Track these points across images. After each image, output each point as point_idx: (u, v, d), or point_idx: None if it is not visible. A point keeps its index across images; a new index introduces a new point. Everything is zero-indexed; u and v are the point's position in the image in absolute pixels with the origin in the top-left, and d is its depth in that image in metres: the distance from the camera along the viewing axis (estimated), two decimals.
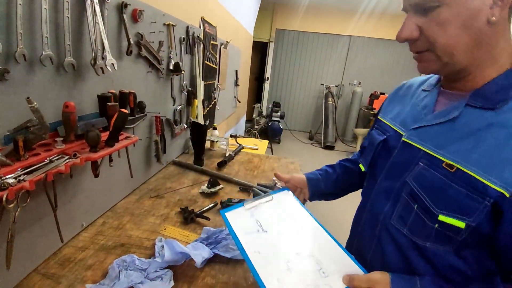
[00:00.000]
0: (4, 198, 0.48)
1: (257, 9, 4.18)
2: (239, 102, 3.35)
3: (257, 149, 2.38)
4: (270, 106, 5.57)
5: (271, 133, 4.81)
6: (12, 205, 0.51)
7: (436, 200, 0.50)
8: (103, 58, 0.78)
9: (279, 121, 5.26)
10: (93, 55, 0.76)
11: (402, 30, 0.50)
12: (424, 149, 0.53)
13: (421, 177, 0.52)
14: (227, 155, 1.61)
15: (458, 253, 0.51)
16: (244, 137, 2.94)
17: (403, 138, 0.58)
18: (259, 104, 5.18)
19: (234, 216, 0.67)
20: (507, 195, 0.42)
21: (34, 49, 0.63)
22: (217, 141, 1.79)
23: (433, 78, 0.63)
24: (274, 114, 5.32)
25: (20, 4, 0.57)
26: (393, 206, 0.58)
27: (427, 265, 0.53)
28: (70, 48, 0.70)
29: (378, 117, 0.73)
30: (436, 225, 0.50)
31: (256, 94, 6.74)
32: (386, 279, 0.52)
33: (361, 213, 0.70)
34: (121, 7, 0.87)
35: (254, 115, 5.02)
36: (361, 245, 0.68)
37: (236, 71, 3.01)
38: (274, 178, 1.30)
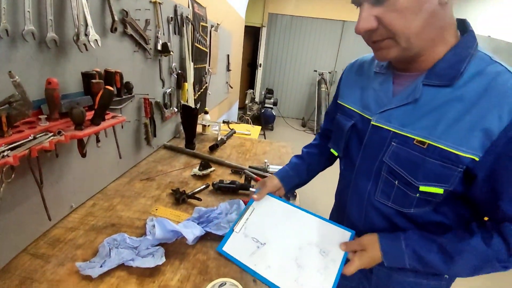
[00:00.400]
0: None
1: None
2: (231, 88, 3.31)
3: (249, 134, 2.38)
4: (263, 92, 5.53)
5: (264, 120, 4.80)
6: None
7: (415, 174, 0.55)
8: (86, 34, 0.75)
9: (272, 108, 5.24)
10: (76, 30, 0.73)
11: (360, 22, 0.51)
12: (392, 129, 0.58)
13: (397, 156, 0.57)
14: (219, 139, 1.61)
15: (437, 211, 0.58)
16: (236, 123, 2.93)
17: (372, 122, 0.61)
18: (251, 90, 5.13)
19: (231, 246, 0.70)
20: (477, 159, 0.49)
21: (16, 24, 0.60)
22: (208, 125, 1.78)
23: (369, 56, 0.68)
24: (267, 101, 5.29)
25: None
26: (375, 184, 0.63)
27: (412, 225, 0.62)
28: (52, 23, 0.67)
29: (338, 101, 0.75)
30: (418, 195, 0.56)
31: (249, 81, 6.66)
32: (375, 238, 0.62)
33: (346, 194, 0.73)
34: None
35: (246, 101, 4.98)
36: (352, 221, 0.73)
37: (228, 55, 2.95)
38: (266, 160, 1.31)
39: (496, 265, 0.52)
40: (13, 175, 0.53)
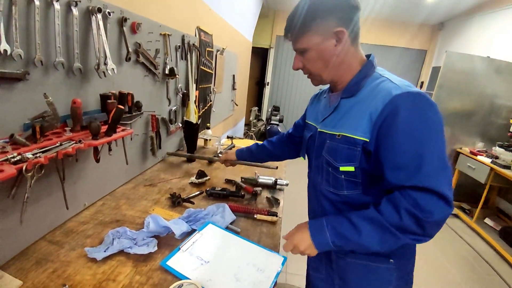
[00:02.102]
0: (24, 168, 0.63)
1: (256, 17, 4.37)
2: (237, 105, 3.51)
3: None
4: (270, 109, 5.72)
5: (269, 136, 4.96)
6: (29, 174, 0.66)
7: (336, 158, 0.75)
8: (105, 63, 0.94)
9: (278, 125, 5.40)
10: (97, 61, 0.92)
11: (293, 64, 0.79)
12: (328, 131, 0.79)
13: (328, 149, 0.77)
14: (218, 152, 1.76)
15: (367, 193, 0.73)
16: (240, 138, 3.10)
17: (318, 129, 0.83)
18: (256, 108, 5.33)
19: (175, 262, 0.78)
20: (367, 140, 0.68)
21: (49, 56, 0.78)
22: (210, 140, 1.95)
23: (327, 87, 0.90)
24: (273, 117, 5.46)
25: (37, 20, 0.72)
26: (321, 176, 0.82)
27: (350, 208, 0.76)
28: (78, 56, 0.86)
29: (306, 121, 0.97)
30: (342, 176, 0.74)
31: (256, 98, 6.90)
32: (305, 223, 0.76)
33: (309, 189, 0.93)
34: (121, 21, 1.04)
35: (251, 118, 5.17)
36: (312, 210, 0.92)
37: (234, 75, 3.17)
38: (256, 172, 1.44)
39: (397, 234, 0.61)
40: (42, 171, 0.69)
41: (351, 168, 0.72)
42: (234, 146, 2.00)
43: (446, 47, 5.19)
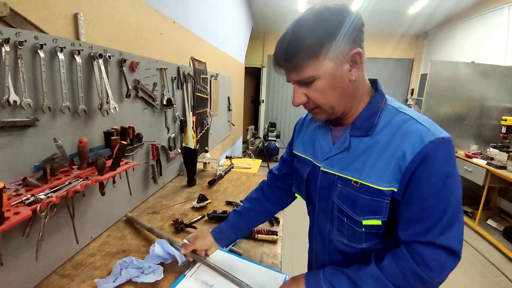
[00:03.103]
0: (38, 209, 0.69)
1: (247, 40, 4.55)
2: (233, 125, 3.59)
3: (249, 168, 2.58)
4: (266, 126, 5.82)
5: (267, 153, 5.02)
6: (43, 214, 0.71)
7: (355, 210, 0.65)
8: (108, 102, 1.02)
9: (275, 141, 5.49)
10: (100, 101, 0.99)
11: (294, 99, 0.66)
12: (336, 173, 0.68)
13: (341, 195, 0.68)
14: (217, 174, 1.81)
15: (384, 241, 0.66)
16: (239, 157, 3.16)
17: (321, 168, 0.72)
18: (252, 126, 5.44)
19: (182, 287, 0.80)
20: (395, 190, 0.60)
21: (55, 102, 0.85)
22: (209, 163, 2.00)
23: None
24: (270, 134, 5.56)
25: (44, 71, 0.79)
26: (331, 223, 0.73)
27: (364, 258, 0.67)
28: (82, 98, 0.93)
29: (294, 151, 0.86)
30: (363, 229, 0.65)
31: (253, 116, 7.03)
32: (301, 277, 0.71)
33: (312, 232, 0.85)
34: (121, 62, 1.12)
35: (248, 137, 5.25)
36: (317, 257, 0.84)
37: (228, 97, 3.28)
38: None
39: None
40: (54, 210, 0.75)
41: (378, 222, 0.63)
42: (233, 167, 2.06)
43: (432, 55, 5.38)
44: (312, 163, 0.77)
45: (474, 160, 2.97)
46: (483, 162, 2.84)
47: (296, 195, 0.90)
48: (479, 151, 3.22)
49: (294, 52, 0.60)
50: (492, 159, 2.84)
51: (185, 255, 0.90)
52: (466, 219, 3.18)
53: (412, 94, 6.00)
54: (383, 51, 5.95)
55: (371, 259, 0.63)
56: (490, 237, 2.77)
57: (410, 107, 5.03)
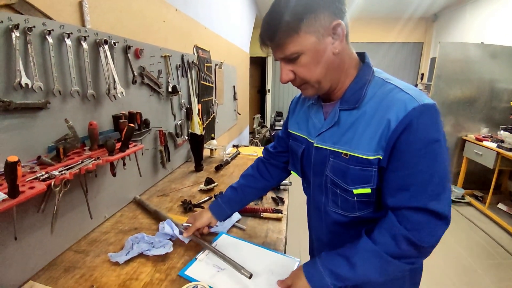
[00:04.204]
0: (52, 183, 0.74)
1: (251, 28, 4.52)
2: (239, 114, 3.62)
3: (256, 155, 2.61)
4: (273, 115, 5.82)
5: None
6: (57, 189, 0.76)
7: (346, 181, 0.68)
8: (115, 88, 1.05)
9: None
10: (107, 86, 1.03)
11: (281, 76, 0.68)
12: (328, 147, 0.71)
13: (333, 168, 0.70)
14: (224, 160, 1.85)
15: (378, 210, 0.68)
16: (246, 146, 3.19)
17: (315, 144, 0.74)
18: (258, 115, 5.45)
19: (193, 271, 0.82)
20: (381, 157, 0.62)
21: (65, 86, 0.89)
22: (215, 149, 2.04)
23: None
24: (277, 123, 5.56)
25: (53, 56, 0.82)
26: (326, 196, 0.76)
27: (359, 227, 0.69)
28: (90, 83, 0.97)
29: (289, 130, 0.88)
30: (355, 198, 0.68)
31: (259, 106, 7.03)
32: (300, 270, 0.71)
33: (309, 208, 0.88)
34: (126, 49, 1.15)
35: (254, 126, 5.27)
36: (315, 230, 0.87)
37: (234, 86, 3.30)
38: None
39: (396, 263, 0.59)
40: (68, 186, 0.79)
41: (367, 190, 0.65)
42: (239, 153, 2.09)
43: (442, 38, 5.22)
44: (306, 140, 0.79)
45: (485, 143, 2.92)
46: (493, 145, 2.80)
47: (292, 172, 0.91)
48: (489, 134, 3.16)
49: (274, 30, 0.61)
50: (502, 141, 2.79)
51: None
52: (476, 203, 3.15)
53: (422, 79, 5.86)
54: (391, 35, 5.81)
55: (362, 233, 0.65)
56: (500, 221, 2.74)
57: None
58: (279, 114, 5.82)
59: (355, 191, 0.67)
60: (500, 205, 2.97)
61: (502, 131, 2.95)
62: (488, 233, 2.66)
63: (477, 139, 3.10)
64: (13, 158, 0.62)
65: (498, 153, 2.70)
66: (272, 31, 0.62)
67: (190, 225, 0.95)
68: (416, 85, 5.85)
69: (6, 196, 0.64)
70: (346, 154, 0.66)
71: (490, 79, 3.24)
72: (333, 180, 0.71)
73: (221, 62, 2.58)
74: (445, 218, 0.58)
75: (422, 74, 5.89)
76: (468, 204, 3.26)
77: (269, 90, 6.44)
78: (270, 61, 6.26)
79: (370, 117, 0.63)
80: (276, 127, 5.53)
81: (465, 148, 3.25)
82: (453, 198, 3.27)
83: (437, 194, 0.58)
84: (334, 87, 0.69)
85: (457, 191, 3.27)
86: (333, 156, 0.70)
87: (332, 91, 0.70)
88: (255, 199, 1.03)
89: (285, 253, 0.94)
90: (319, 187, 0.77)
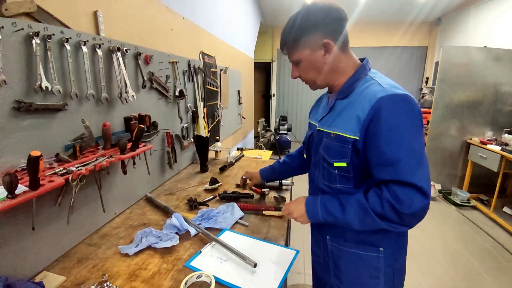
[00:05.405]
0: (70, 178, 0.80)
1: (256, 34, 4.61)
2: (244, 118, 3.68)
3: (260, 158, 2.66)
4: (277, 120, 5.87)
5: (279, 146, 5.08)
6: (74, 183, 0.83)
7: (329, 155, 0.83)
8: (126, 92, 1.13)
9: (286, 134, 5.53)
10: (119, 90, 1.10)
11: (291, 74, 0.90)
12: (324, 129, 0.87)
13: (324, 146, 0.86)
14: (228, 161, 1.91)
15: (357, 187, 0.82)
16: (250, 149, 3.25)
17: (317, 128, 0.92)
18: (262, 119, 5.51)
19: (198, 262, 0.88)
20: (357, 138, 0.76)
21: (81, 90, 0.96)
22: (220, 151, 2.10)
23: (326, 89, 0.98)
24: (281, 127, 5.60)
25: (70, 62, 0.90)
26: (318, 170, 0.91)
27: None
28: (104, 87, 1.05)
29: (309, 120, 1.06)
30: (336, 170, 0.83)
31: (264, 110, 7.09)
32: (303, 198, 0.89)
33: (309, 183, 1.01)
34: (137, 55, 1.23)
35: (259, 129, 5.33)
36: None
37: (238, 91, 3.37)
38: None
39: (377, 220, 0.71)
40: (84, 181, 0.86)
41: (343, 164, 0.80)
42: (243, 156, 2.15)
43: (446, 42, 5.24)
44: (314, 126, 0.96)
45: (489, 146, 2.92)
46: (497, 148, 2.79)
47: (304, 155, 1.08)
48: (494, 137, 3.15)
49: (284, 42, 0.86)
50: (506, 144, 2.78)
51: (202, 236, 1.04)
52: (481, 206, 3.13)
53: (427, 82, 5.86)
54: (395, 40, 5.84)
55: (360, 191, 0.79)
56: (505, 224, 2.72)
57: (425, 96, 4.93)
58: (283, 118, 5.87)
59: (335, 164, 0.82)
60: (506, 209, 2.95)
61: (506, 134, 2.94)
62: (494, 236, 2.64)
63: (481, 142, 3.09)
64: (36, 153, 0.68)
65: (502, 156, 2.69)
66: (283, 43, 0.87)
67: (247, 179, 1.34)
68: (421, 89, 5.86)
69: (27, 189, 0.71)
70: (333, 134, 0.83)
71: (494, 82, 3.25)
72: (323, 155, 0.86)
73: (226, 67, 2.66)
74: (423, 192, 0.67)
75: (427, 78, 5.89)
76: (474, 208, 3.24)
77: (273, 94, 6.51)
78: (274, 66, 6.35)
79: (353, 105, 0.79)
80: (281, 131, 5.57)
81: (470, 152, 3.25)
82: (458, 202, 3.25)
83: (412, 170, 0.69)
84: (331, 83, 0.88)
85: (462, 194, 3.26)
86: (326, 136, 0.86)
87: (331, 86, 0.89)
88: (292, 175, 1.28)
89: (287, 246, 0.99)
90: (315, 163, 0.94)
